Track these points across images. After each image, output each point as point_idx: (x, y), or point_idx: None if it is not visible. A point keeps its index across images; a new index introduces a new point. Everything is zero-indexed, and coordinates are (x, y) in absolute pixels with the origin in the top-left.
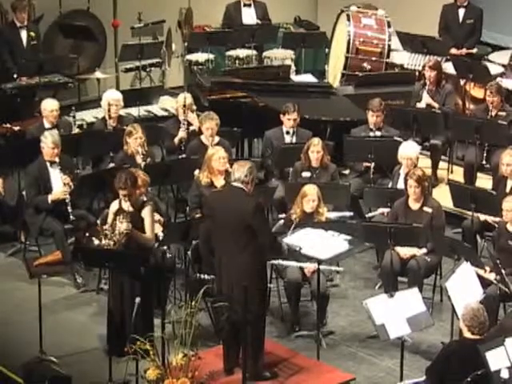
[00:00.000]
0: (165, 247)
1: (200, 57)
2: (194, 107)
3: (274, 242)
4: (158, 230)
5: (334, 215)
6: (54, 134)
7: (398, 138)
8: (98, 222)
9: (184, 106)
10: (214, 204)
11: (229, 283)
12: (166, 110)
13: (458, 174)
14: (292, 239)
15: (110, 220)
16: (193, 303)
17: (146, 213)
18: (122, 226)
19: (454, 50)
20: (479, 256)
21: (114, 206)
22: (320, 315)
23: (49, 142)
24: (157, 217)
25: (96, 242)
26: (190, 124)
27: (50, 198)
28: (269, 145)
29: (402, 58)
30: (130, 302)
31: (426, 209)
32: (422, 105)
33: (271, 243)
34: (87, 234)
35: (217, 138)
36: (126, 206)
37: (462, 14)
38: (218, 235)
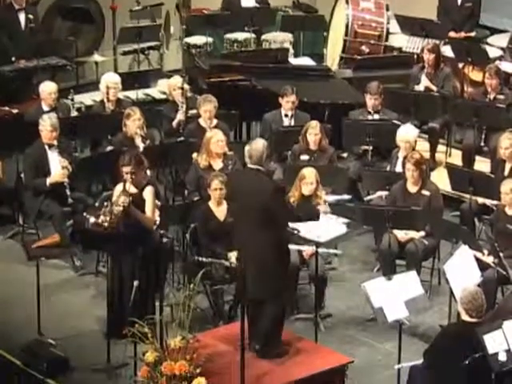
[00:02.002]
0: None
1: (198, 40)
2: (186, 86)
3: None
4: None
5: (332, 198)
6: (53, 116)
7: (397, 121)
8: (97, 204)
9: (182, 88)
10: (235, 185)
11: (247, 261)
12: (165, 93)
13: (457, 157)
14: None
15: (113, 200)
16: (191, 286)
17: (147, 193)
18: (119, 200)
19: (452, 34)
20: (477, 239)
21: (119, 187)
22: (318, 298)
23: (47, 124)
24: None
25: (92, 219)
26: (188, 107)
27: (49, 180)
28: (267, 127)
29: (401, 41)
30: (129, 284)
31: (424, 192)
32: (420, 88)
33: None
34: (84, 214)
35: (215, 121)
36: (129, 187)
37: None
38: (238, 215)
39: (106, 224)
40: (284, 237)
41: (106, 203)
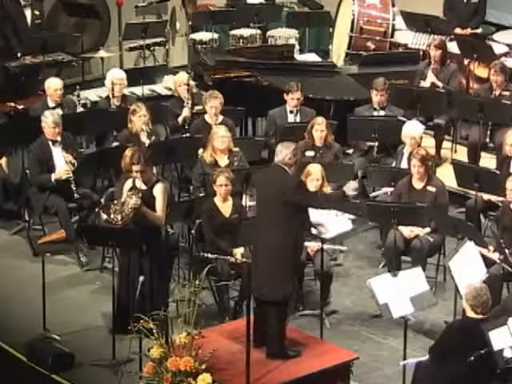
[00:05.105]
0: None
1: (204, 36)
2: (192, 82)
3: (324, 204)
4: None
5: None
6: (55, 113)
7: (402, 118)
8: (102, 200)
9: (188, 84)
10: (256, 181)
11: (259, 259)
12: (170, 89)
13: (462, 154)
14: None
15: (123, 198)
16: (196, 282)
17: (157, 191)
18: (131, 200)
19: (458, 30)
20: (483, 235)
21: (128, 184)
22: (323, 294)
23: (49, 121)
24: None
25: (104, 217)
26: (194, 103)
27: (54, 176)
28: (272, 124)
29: (406, 37)
30: (135, 280)
31: (429, 188)
32: (426, 84)
33: (320, 206)
34: (96, 210)
35: (221, 117)
36: (139, 184)
37: None
38: (256, 212)
39: (118, 222)
40: (297, 237)
41: (116, 201)
